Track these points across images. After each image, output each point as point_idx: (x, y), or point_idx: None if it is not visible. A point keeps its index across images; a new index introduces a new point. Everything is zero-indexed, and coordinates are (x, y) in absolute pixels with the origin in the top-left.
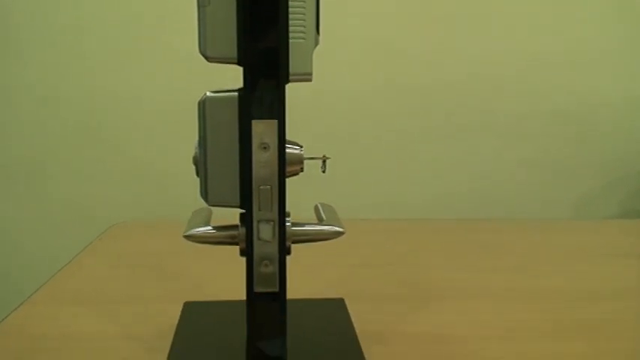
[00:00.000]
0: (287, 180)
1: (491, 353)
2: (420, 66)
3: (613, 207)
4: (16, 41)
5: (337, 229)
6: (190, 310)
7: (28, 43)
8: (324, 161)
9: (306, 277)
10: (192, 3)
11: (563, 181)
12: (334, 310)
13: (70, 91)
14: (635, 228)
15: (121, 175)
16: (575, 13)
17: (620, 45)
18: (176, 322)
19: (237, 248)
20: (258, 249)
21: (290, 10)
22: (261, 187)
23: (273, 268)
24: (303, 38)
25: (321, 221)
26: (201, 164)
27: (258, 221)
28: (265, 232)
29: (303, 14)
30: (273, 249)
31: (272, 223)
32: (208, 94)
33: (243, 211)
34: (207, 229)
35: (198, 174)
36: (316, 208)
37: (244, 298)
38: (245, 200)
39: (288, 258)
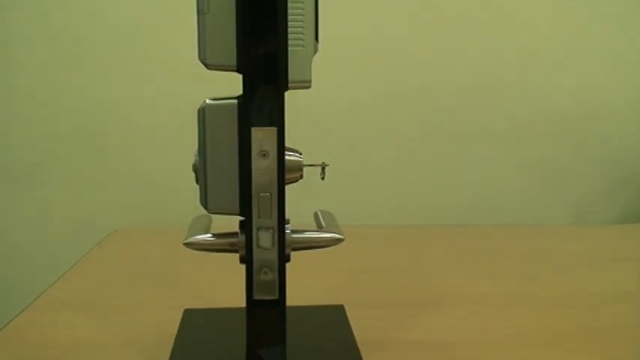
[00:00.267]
0: (286, 186)
1: None
2: (419, 71)
3: (614, 211)
4: (16, 46)
5: (337, 235)
6: (190, 317)
7: (27, 48)
8: (323, 168)
9: (306, 284)
10: (193, 10)
11: (564, 185)
12: (334, 317)
13: (70, 97)
14: (635, 233)
15: (121, 182)
16: (575, 16)
17: (621, 49)
18: (176, 329)
19: (237, 255)
20: (257, 256)
21: (289, 17)
22: (261, 195)
23: (272, 276)
24: (302, 46)
25: (320, 228)
26: (200, 172)
27: (258, 229)
28: (265, 239)
29: (302, 22)
30: (273, 256)
31: (271, 230)
32: (208, 101)
33: (243, 218)
34: (206, 236)
35: (197, 181)
36: (316, 215)
37: (244, 305)
38: (244, 207)
39: (287, 264)
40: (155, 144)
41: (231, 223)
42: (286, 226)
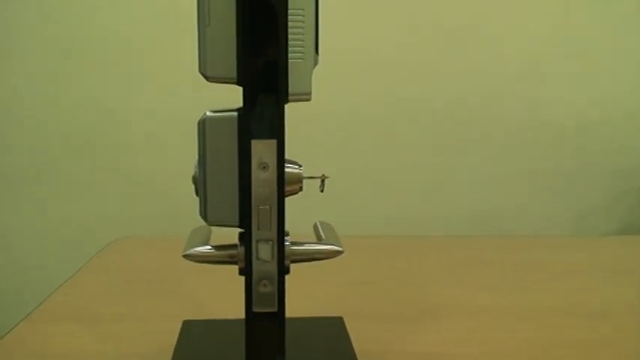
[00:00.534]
0: (286, 198)
1: None
2: (418, 82)
3: (613, 222)
4: (18, 53)
5: (336, 248)
6: (189, 328)
7: (29, 55)
8: (322, 181)
9: (305, 295)
10: (194, 18)
11: (563, 196)
12: (333, 329)
13: (71, 106)
14: (634, 244)
15: (122, 192)
16: (575, 27)
17: (620, 59)
18: (175, 340)
19: (236, 266)
20: (257, 268)
21: (289, 30)
22: (260, 207)
23: (271, 288)
24: (302, 58)
25: (320, 240)
26: (200, 183)
27: (257, 241)
28: (264, 251)
29: (302, 34)
30: (272, 268)
31: (271, 242)
32: (208, 113)
33: (243, 230)
34: (206, 248)
35: (197, 193)
36: (315, 227)
37: (243, 316)
38: (244, 220)
39: (286, 276)
40: (156, 153)
41: (230, 234)
42: (286, 238)
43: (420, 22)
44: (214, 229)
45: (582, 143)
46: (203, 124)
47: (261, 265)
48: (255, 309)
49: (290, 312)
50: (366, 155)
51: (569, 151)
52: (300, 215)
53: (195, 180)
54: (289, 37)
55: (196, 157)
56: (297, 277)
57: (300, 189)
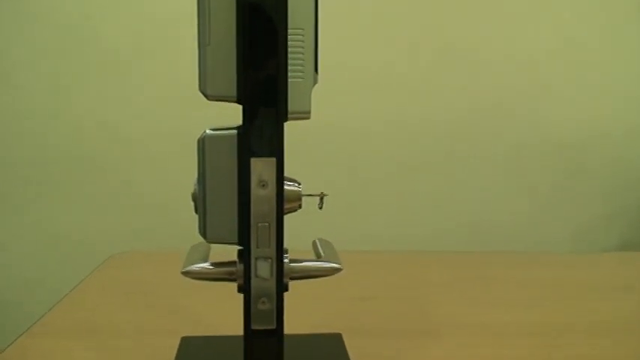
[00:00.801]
0: (285, 215)
1: None
2: (419, 100)
3: (613, 238)
4: (19, 69)
5: (335, 265)
6: (188, 344)
7: (29, 72)
8: (321, 198)
9: (303, 311)
10: (194, 33)
11: (563, 212)
12: (331, 346)
13: (70, 122)
14: (634, 260)
15: (121, 206)
16: (574, 44)
17: (619, 76)
18: (174, 356)
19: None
20: (255, 286)
21: (289, 49)
22: (259, 225)
23: (270, 306)
24: (302, 77)
25: (319, 257)
26: (200, 201)
27: (256, 258)
28: (263, 269)
29: (302, 53)
30: (271, 286)
31: (270, 260)
32: (208, 131)
33: (242, 247)
34: (204, 265)
35: (196, 211)
36: (314, 244)
37: (242, 333)
38: (243, 237)
39: (285, 292)
40: (155, 168)
41: (230, 249)
42: (284, 255)
43: (419, 40)
44: (213, 245)
45: (581, 159)
46: (203, 142)
47: (260, 282)
48: (254, 326)
49: (288, 328)
50: (365, 172)
51: (568, 168)
52: (300, 231)
53: (194, 197)
54: (289, 55)
55: (196, 173)
56: (296, 292)
57: (300, 206)
